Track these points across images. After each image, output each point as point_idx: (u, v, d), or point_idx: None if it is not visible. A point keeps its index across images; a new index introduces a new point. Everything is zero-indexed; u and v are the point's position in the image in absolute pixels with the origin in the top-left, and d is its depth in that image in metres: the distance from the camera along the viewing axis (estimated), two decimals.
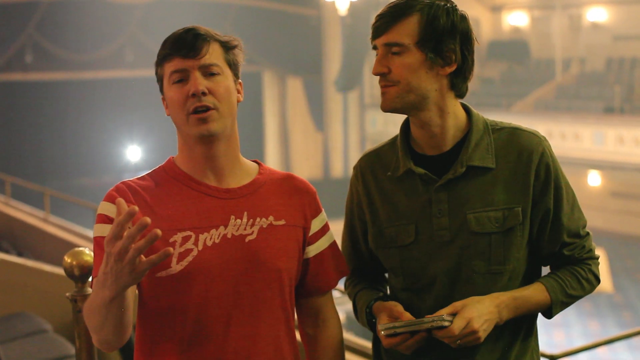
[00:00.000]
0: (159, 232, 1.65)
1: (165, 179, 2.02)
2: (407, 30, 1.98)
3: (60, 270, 5.50)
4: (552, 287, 2.07)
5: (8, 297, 5.71)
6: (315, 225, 2.11)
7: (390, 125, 21.71)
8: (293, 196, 2.08)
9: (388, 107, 2.02)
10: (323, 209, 2.15)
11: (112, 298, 1.74)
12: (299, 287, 2.13)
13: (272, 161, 23.08)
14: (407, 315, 2.04)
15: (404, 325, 1.98)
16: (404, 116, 2.13)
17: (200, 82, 1.93)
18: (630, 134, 17.74)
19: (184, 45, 1.94)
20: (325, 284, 2.16)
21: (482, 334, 1.96)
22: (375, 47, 2.03)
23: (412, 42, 1.97)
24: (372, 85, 24.21)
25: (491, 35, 25.76)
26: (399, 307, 2.07)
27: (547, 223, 2.07)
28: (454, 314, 1.97)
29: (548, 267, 2.19)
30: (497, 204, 2.03)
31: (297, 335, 2.16)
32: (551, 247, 2.10)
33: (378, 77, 2.03)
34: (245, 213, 2.00)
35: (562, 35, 22.64)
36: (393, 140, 2.18)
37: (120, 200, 1.68)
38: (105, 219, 1.96)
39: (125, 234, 1.65)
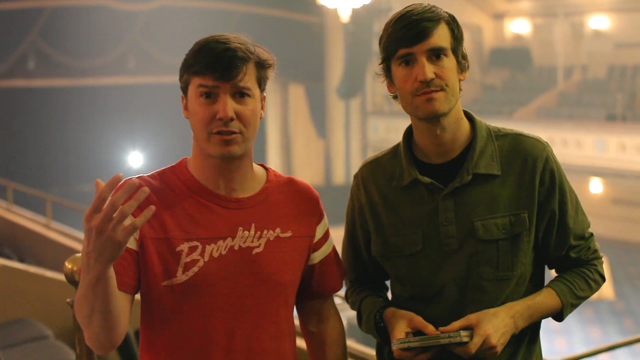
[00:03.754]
0: (146, 190, 1.60)
1: (175, 183, 1.99)
2: (444, 35, 2.00)
3: (61, 276, 5.50)
4: (562, 291, 2.10)
5: (9, 303, 5.71)
6: (320, 232, 2.11)
7: (392, 132, 21.73)
8: (299, 204, 2.07)
9: (439, 111, 1.99)
10: (325, 213, 2.15)
11: (97, 278, 1.66)
12: (304, 290, 2.12)
13: (274, 168, 22.51)
14: (431, 329, 2.03)
15: (419, 340, 1.97)
16: (406, 123, 2.13)
17: (229, 108, 1.88)
18: (632, 141, 17.73)
19: (220, 66, 1.87)
20: (331, 287, 2.17)
21: (500, 348, 1.99)
22: (405, 56, 1.99)
23: (449, 47, 2.01)
24: (374, 92, 24.21)
25: (493, 43, 25.77)
26: (419, 318, 2.07)
27: (553, 227, 2.09)
28: (469, 328, 1.98)
29: (552, 270, 2.21)
30: (503, 211, 2.04)
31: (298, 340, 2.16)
32: (559, 251, 2.12)
33: (409, 85, 1.99)
34: (253, 225, 1.98)
35: (564, 43, 22.64)
36: (395, 149, 2.18)
37: (98, 180, 1.59)
38: None
39: (107, 202, 1.59)
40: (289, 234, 2.02)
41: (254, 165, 2.06)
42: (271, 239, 2.00)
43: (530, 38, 25.16)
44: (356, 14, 19.22)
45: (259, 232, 1.98)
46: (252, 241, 1.97)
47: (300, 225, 2.06)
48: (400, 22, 1.99)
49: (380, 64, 2.07)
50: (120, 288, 1.85)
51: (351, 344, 5.03)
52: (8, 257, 8.20)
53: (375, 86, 24.11)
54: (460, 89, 2.06)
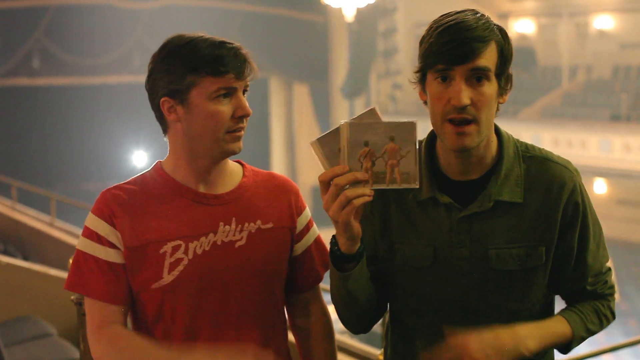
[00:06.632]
0: None
1: (154, 185, 2.02)
2: (492, 57, 1.81)
3: (65, 274, 5.51)
4: (574, 320, 1.97)
5: (13, 301, 5.72)
6: (301, 223, 2.13)
7: None
8: (279, 196, 2.10)
9: (469, 147, 1.84)
10: (307, 205, 2.17)
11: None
12: (289, 283, 2.14)
13: (278, 167, 23.06)
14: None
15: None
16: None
17: (247, 105, 1.95)
18: (636, 141, 17.71)
19: (237, 65, 1.92)
20: (314, 279, 2.17)
21: (484, 358, 1.82)
22: (443, 71, 1.80)
23: (493, 71, 1.82)
24: (378, 92, 24.19)
25: None
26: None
27: (570, 261, 1.96)
28: None
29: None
30: (520, 241, 1.91)
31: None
32: (574, 285, 2.00)
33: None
34: (234, 219, 2.01)
35: (569, 43, 22.62)
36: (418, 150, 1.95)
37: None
38: (94, 237, 1.99)
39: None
40: (270, 225, 2.05)
41: (230, 162, 2.09)
42: (253, 231, 2.02)
43: (535, 38, 25.12)
44: (361, 14, 19.22)
45: (240, 225, 2.01)
46: (234, 235, 2.00)
47: (281, 217, 2.08)
48: (446, 35, 1.78)
49: (415, 72, 1.87)
50: (116, 302, 1.94)
51: (355, 343, 5.03)
52: (12, 255, 8.22)
53: (380, 86, 24.08)
54: (497, 109, 1.89)
